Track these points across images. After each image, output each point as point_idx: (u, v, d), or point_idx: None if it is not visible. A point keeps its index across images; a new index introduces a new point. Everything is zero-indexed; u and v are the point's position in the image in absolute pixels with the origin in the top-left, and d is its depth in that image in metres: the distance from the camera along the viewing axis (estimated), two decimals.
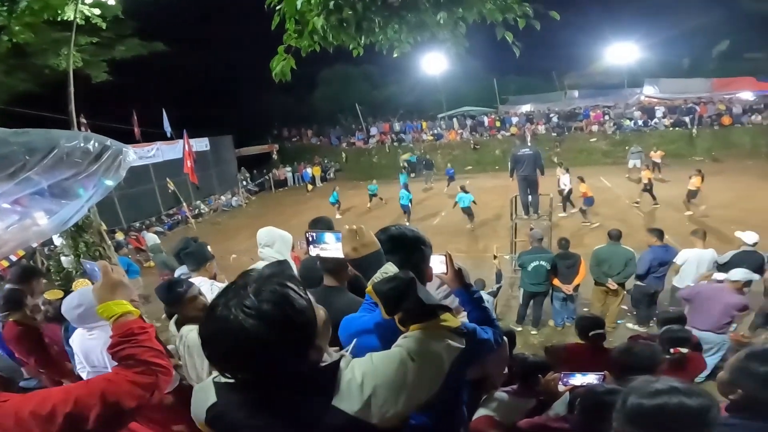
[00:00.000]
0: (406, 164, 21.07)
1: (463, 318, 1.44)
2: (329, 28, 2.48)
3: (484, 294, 5.17)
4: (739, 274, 4.31)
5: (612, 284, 5.66)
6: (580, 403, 1.80)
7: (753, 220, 9.18)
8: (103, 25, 5.01)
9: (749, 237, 5.22)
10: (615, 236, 5.81)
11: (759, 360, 1.30)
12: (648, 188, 11.94)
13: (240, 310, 0.85)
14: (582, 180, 11.26)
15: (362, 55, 2.92)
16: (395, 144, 24.13)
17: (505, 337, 1.57)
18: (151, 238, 11.54)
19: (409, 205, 12.79)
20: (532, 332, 6.07)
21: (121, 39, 13.36)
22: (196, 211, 17.87)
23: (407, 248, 1.29)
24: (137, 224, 15.09)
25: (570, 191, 11.94)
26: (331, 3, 2.40)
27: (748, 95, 21.00)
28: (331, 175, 23.08)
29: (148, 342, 1.32)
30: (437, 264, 1.43)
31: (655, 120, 21.06)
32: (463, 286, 1.49)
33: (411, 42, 2.85)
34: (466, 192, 11.59)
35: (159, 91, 18.62)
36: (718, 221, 8.98)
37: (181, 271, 3.50)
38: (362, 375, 0.92)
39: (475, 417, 2.22)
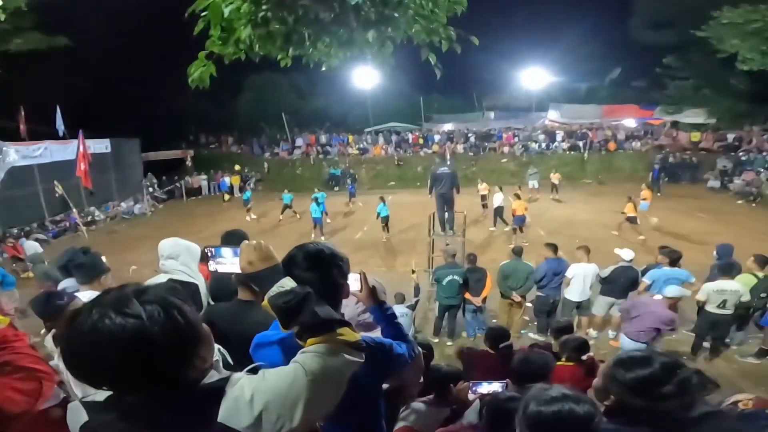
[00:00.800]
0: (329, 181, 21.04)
1: (376, 333, 1.47)
2: (256, 39, 2.40)
3: (402, 307, 5.34)
4: (673, 291, 4.73)
5: (516, 297, 6.17)
6: (486, 410, 1.92)
7: (629, 237, 10.67)
8: (1, 17, 4.40)
9: (626, 254, 5.98)
10: (517, 252, 6.38)
11: (624, 367, 1.37)
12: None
13: (113, 314, 0.80)
14: (518, 197, 11.61)
15: (291, 65, 2.88)
16: (321, 156, 23.92)
17: (419, 349, 1.63)
18: (31, 247, 10.34)
19: (321, 218, 12.71)
20: (448, 343, 6.35)
21: (19, 31, 11.86)
22: (89, 218, 15.98)
23: (324, 265, 1.29)
24: (16, 230, 13.13)
25: (501, 209, 12.34)
26: (260, 15, 2.33)
27: (631, 122, 23.44)
28: (252, 185, 22.09)
29: (24, 348, 1.26)
30: (352, 282, 1.45)
31: (556, 143, 23.07)
32: (377, 303, 1.53)
33: (340, 57, 2.88)
34: (384, 203, 12.10)
35: (59, 88, 16.53)
36: (599, 239, 10.24)
37: (66, 284, 3.09)
38: (252, 391, 0.90)
39: (395, 429, 2.26)
